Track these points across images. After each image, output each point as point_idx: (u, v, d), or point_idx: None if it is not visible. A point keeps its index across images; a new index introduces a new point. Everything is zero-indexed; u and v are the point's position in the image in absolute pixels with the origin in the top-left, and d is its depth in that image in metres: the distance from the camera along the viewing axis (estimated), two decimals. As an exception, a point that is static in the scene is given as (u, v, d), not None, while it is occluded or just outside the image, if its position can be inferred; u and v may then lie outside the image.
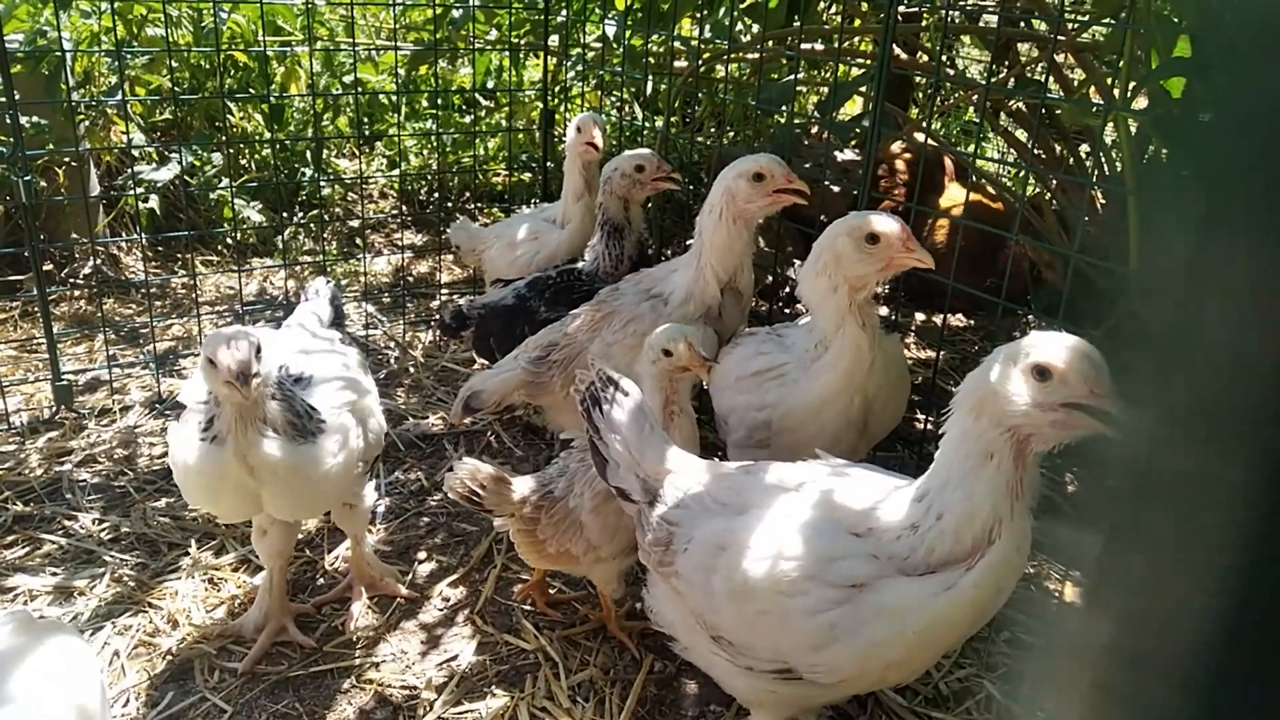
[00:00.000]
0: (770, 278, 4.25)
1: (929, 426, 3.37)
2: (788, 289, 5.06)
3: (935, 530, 1.96)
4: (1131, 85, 2.79)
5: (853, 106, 6.56)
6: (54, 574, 3.11)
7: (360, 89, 5.75)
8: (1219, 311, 0.52)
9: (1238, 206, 0.51)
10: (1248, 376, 0.51)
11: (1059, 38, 3.51)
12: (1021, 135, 5.41)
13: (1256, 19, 0.48)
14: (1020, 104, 4.93)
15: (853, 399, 2.78)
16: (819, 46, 4.65)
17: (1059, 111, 4.33)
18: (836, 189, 4.93)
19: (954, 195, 5.15)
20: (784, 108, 4.24)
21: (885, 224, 2.62)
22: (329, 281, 3.40)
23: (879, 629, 1.96)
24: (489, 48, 5.91)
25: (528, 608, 3.07)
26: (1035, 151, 4.22)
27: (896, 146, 5.26)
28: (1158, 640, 0.57)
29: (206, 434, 2.49)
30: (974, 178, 4.98)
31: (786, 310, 4.89)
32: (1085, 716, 0.64)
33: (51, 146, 4.54)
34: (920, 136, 4.20)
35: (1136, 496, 0.60)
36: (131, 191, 5.01)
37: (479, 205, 6.32)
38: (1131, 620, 0.60)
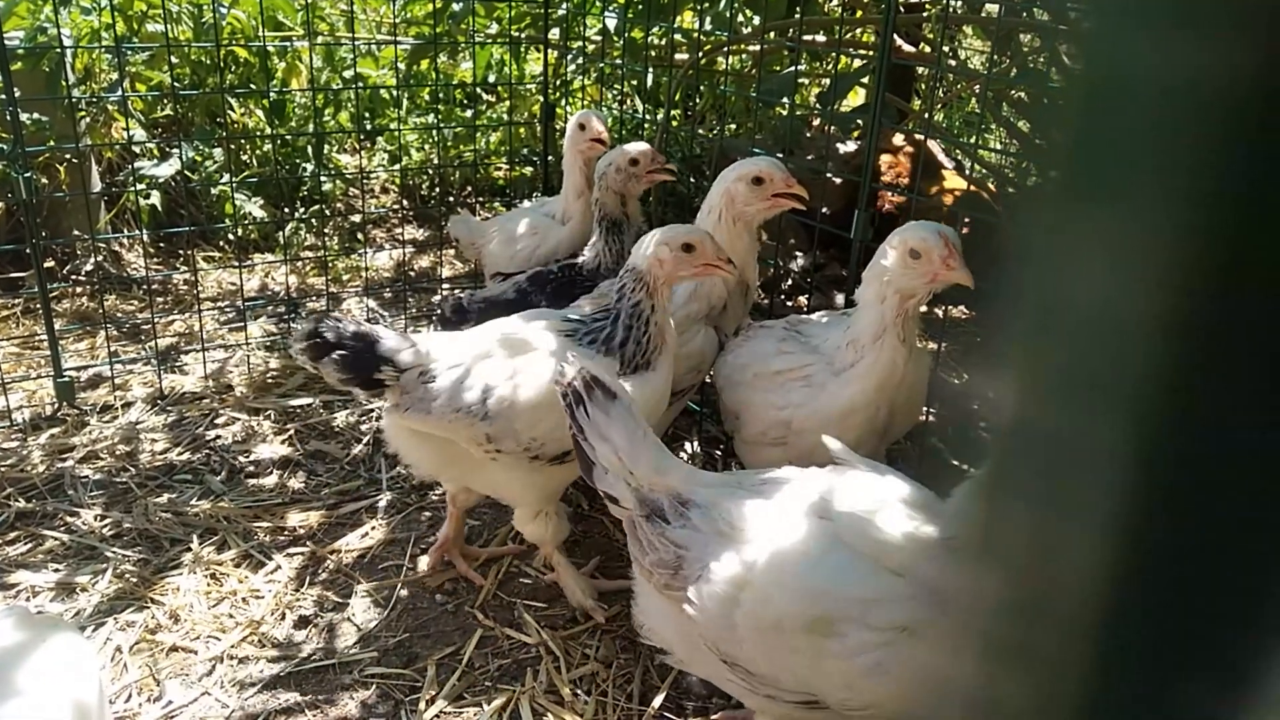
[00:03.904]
0: (772, 270, 4.24)
1: (930, 418, 3.36)
2: (790, 281, 5.04)
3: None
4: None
5: (854, 98, 6.53)
6: (56, 570, 3.12)
7: (361, 84, 5.75)
8: (1087, 274, 0.54)
9: (1102, 175, 0.53)
10: (1118, 337, 0.52)
11: (1061, 27, 3.49)
12: (1024, 126, 5.38)
13: None
14: (1022, 94, 4.90)
15: (879, 410, 2.77)
16: (820, 38, 4.63)
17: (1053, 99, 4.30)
18: (838, 181, 4.91)
19: (953, 183, 5.13)
20: (785, 99, 4.23)
21: (926, 239, 2.58)
22: None
23: (926, 674, 1.89)
24: (489, 41, 5.90)
25: (530, 602, 3.07)
26: (1038, 142, 4.19)
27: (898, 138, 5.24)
28: (1048, 594, 0.59)
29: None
30: (973, 169, 4.96)
31: (789, 304, 4.88)
32: (979, 671, 0.65)
33: (52, 143, 4.54)
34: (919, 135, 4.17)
35: (1019, 457, 0.62)
36: (133, 188, 5.01)
37: (480, 199, 6.32)
38: (1021, 575, 0.61)
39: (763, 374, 2.93)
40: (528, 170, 6.25)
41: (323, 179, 5.91)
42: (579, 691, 2.73)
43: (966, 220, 3.66)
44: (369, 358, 2.69)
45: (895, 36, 3.52)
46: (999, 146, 6.44)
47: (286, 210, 5.85)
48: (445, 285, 5.30)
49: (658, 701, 2.69)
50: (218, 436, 3.91)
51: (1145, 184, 0.49)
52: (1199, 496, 0.51)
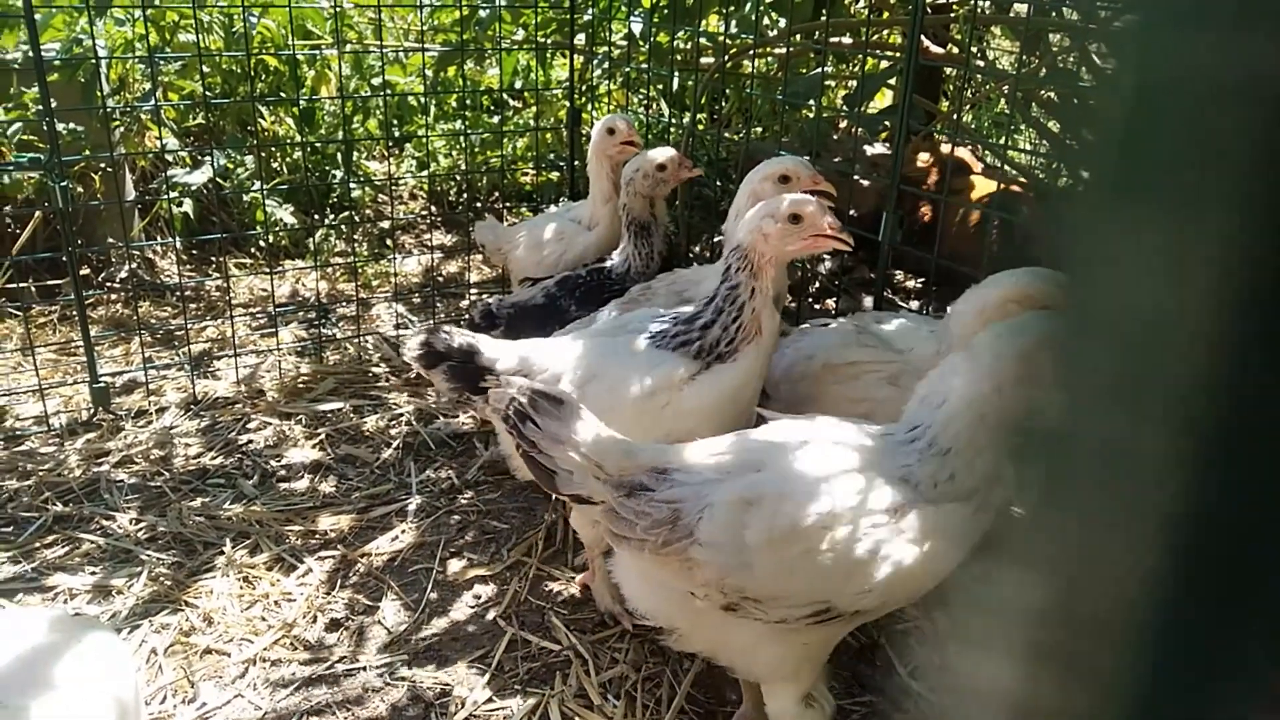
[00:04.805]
0: (799, 273, 4.22)
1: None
2: (817, 284, 5.03)
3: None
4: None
5: (882, 99, 6.50)
6: (92, 573, 3.17)
7: (389, 91, 5.80)
8: (1136, 279, 0.53)
9: (1150, 177, 0.52)
10: (1167, 343, 0.52)
11: (1091, 27, 3.45)
12: (1054, 126, 5.33)
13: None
14: (1052, 94, 4.86)
15: None
16: (847, 40, 4.61)
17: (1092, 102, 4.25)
18: (866, 183, 4.89)
19: (982, 186, 5.09)
20: (812, 102, 4.21)
21: (1030, 285, 2.54)
22: None
23: (928, 545, 2.06)
24: (516, 48, 5.93)
25: (559, 608, 3.08)
26: (1068, 142, 4.15)
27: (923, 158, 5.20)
28: (1093, 601, 0.58)
29: None
30: (1003, 169, 4.92)
31: (816, 306, 4.86)
32: (1022, 677, 0.65)
33: (88, 152, 4.62)
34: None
35: (1065, 464, 0.62)
36: (166, 196, 5.08)
37: (507, 205, 6.35)
38: (1066, 581, 0.61)
39: (833, 365, 2.90)
40: (554, 175, 6.27)
41: (352, 186, 5.96)
42: (608, 695, 2.73)
43: (996, 223, 3.63)
44: (472, 369, 2.80)
45: (923, 37, 3.50)
46: (1028, 147, 6.38)
47: (316, 217, 5.91)
48: (473, 290, 5.33)
49: (685, 703, 2.68)
50: (250, 441, 3.95)
51: (1196, 187, 0.49)
52: (1247, 504, 0.51)
